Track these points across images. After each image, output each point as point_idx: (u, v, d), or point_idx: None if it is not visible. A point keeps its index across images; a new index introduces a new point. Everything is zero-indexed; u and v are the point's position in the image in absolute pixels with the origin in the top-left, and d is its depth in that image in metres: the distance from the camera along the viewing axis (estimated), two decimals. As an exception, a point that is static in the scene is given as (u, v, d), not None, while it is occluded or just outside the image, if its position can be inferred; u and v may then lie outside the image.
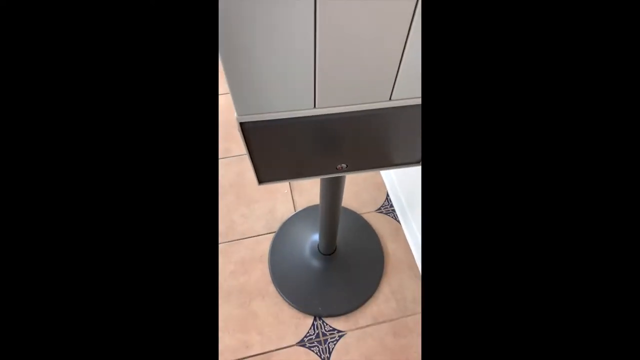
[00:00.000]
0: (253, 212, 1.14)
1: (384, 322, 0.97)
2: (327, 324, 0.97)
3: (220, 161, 1.24)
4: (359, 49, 0.36)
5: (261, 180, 0.54)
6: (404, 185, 1.11)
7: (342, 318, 0.97)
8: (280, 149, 0.47)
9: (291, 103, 0.40)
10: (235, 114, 0.41)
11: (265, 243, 1.08)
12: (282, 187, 1.19)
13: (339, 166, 0.54)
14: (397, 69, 0.39)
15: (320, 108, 0.41)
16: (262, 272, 1.03)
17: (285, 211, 1.14)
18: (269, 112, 0.41)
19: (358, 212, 1.15)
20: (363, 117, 0.44)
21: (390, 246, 1.09)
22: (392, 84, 0.40)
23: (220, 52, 0.34)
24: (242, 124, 0.42)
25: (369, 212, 1.15)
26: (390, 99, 0.42)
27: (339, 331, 0.96)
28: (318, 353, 0.93)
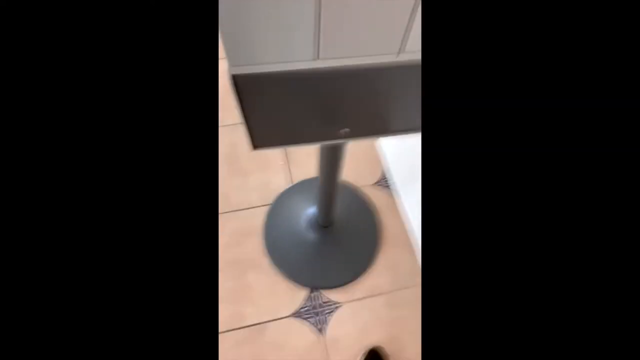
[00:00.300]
0: (247, 183, 1.11)
1: (379, 294, 0.97)
2: (322, 296, 0.96)
3: (212, 131, 1.19)
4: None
5: (256, 144, 0.50)
6: (401, 159, 1.08)
7: (338, 290, 0.97)
8: (278, 107, 0.43)
9: (291, 53, 0.36)
10: (228, 65, 0.37)
11: (260, 215, 1.06)
12: (277, 158, 1.15)
13: (341, 131, 0.50)
14: (409, 16, 0.34)
15: (324, 59, 0.37)
16: (256, 244, 1.02)
17: (281, 183, 1.11)
18: (267, 63, 0.37)
19: (355, 186, 1.12)
20: (370, 73, 0.40)
21: (386, 220, 1.07)
22: (403, 34, 0.36)
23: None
24: (235, 77, 0.38)
25: (366, 186, 1.13)
26: (401, 51, 0.38)
27: (334, 303, 0.95)
28: (313, 324, 0.93)
